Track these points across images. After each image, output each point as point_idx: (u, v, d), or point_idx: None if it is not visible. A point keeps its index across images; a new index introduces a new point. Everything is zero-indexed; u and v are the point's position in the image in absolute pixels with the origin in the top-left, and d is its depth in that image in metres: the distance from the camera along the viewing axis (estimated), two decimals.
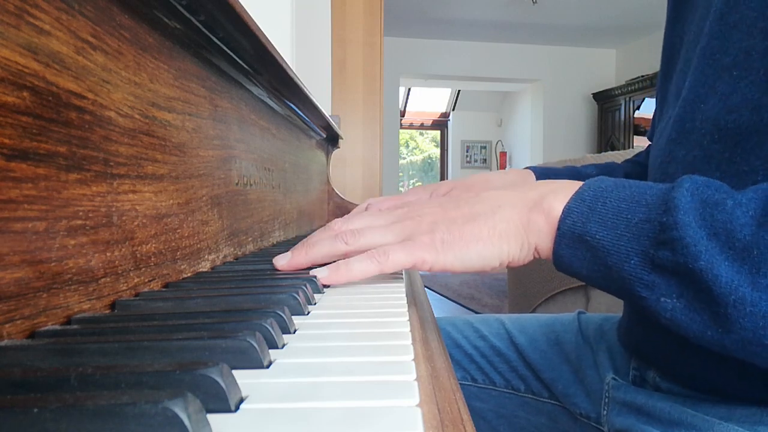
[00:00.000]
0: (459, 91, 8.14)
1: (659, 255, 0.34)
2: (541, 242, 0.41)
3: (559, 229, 0.39)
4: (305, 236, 0.98)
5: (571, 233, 0.38)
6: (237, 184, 0.65)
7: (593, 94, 6.33)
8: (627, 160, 0.77)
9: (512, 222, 0.41)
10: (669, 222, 0.34)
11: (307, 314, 0.37)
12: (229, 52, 0.57)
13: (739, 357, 0.34)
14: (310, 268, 0.48)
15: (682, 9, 0.57)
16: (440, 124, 8.83)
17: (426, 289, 0.57)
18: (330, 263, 0.47)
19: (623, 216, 0.36)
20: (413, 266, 0.43)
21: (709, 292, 0.32)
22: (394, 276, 0.53)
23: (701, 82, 0.48)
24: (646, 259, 0.35)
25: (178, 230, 0.47)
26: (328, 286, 0.48)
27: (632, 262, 0.35)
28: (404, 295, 0.43)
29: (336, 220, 0.50)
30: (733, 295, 0.32)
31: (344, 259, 0.46)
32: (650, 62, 5.55)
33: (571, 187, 0.40)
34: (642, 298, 0.36)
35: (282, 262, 0.50)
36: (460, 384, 0.69)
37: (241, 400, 0.21)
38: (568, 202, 0.39)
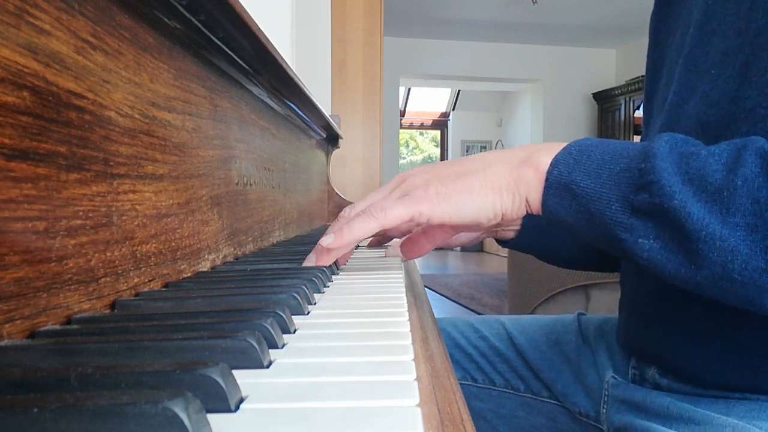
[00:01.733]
0: (459, 91, 8.14)
1: (638, 199, 0.37)
2: (531, 194, 0.43)
3: (546, 180, 0.41)
4: (305, 236, 0.98)
5: (557, 183, 0.40)
6: (237, 184, 0.65)
7: (593, 94, 6.33)
8: None
9: (503, 176, 0.43)
10: (647, 168, 0.36)
11: (307, 314, 0.37)
12: (229, 52, 0.57)
13: (711, 295, 0.37)
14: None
15: (661, 33, 0.60)
16: (440, 124, 8.83)
17: (426, 289, 0.57)
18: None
19: (606, 167, 0.39)
20: (411, 219, 0.45)
21: (681, 230, 0.35)
22: (394, 268, 0.53)
23: (684, 86, 0.51)
24: (626, 203, 0.37)
25: (178, 230, 0.47)
26: (327, 286, 0.48)
27: (613, 207, 0.38)
28: (404, 295, 0.43)
29: (345, 209, 0.53)
30: (703, 231, 0.34)
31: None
32: None
33: (559, 145, 0.43)
34: (621, 240, 0.38)
35: (319, 258, 0.53)
36: (460, 384, 0.69)
37: (241, 400, 0.21)
38: (555, 156, 0.41)
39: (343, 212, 0.52)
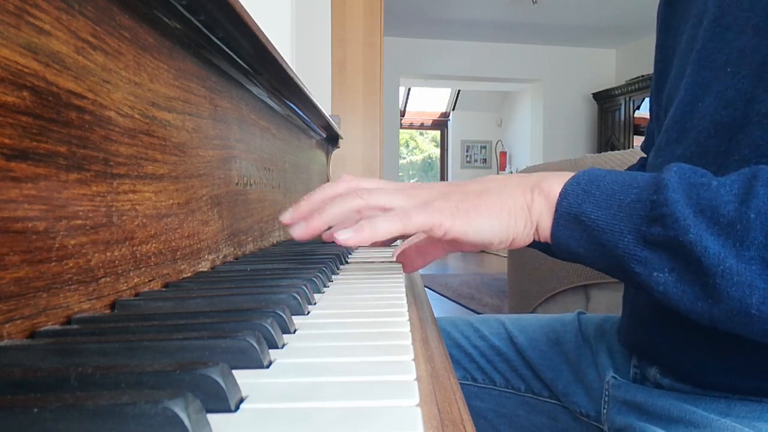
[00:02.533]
0: (459, 91, 8.14)
1: (651, 231, 0.36)
2: (541, 222, 0.42)
3: (556, 210, 0.40)
4: None
5: (567, 214, 0.40)
6: (237, 184, 0.65)
7: (593, 94, 6.33)
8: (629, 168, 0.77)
9: (518, 200, 0.43)
10: (659, 200, 0.36)
11: (307, 314, 0.37)
12: (229, 52, 0.57)
13: (726, 329, 0.36)
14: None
15: (671, 21, 0.59)
16: (440, 124, 8.83)
17: (426, 289, 0.57)
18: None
19: (616, 197, 0.38)
20: (430, 229, 0.43)
21: (698, 264, 0.34)
22: (394, 268, 0.53)
23: (698, 83, 0.49)
24: (638, 236, 0.36)
25: (178, 230, 0.47)
26: (327, 286, 0.48)
27: (626, 239, 0.37)
28: (404, 295, 0.43)
29: (345, 175, 0.49)
30: (720, 266, 0.33)
31: (357, 218, 0.45)
32: (650, 62, 5.50)
33: (566, 175, 0.42)
34: (636, 273, 0.37)
35: (299, 231, 0.47)
36: (460, 383, 0.69)
37: (241, 400, 0.21)
38: (564, 185, 0.41)
39: (343, 181, 0.48)
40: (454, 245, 0.49)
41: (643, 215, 0.36)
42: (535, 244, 0.65)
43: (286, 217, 0.48)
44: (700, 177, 0.37)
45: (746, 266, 0.33)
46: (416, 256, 0.54)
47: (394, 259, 0.57)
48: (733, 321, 0.35)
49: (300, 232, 0.47)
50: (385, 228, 0.43)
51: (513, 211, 0.42)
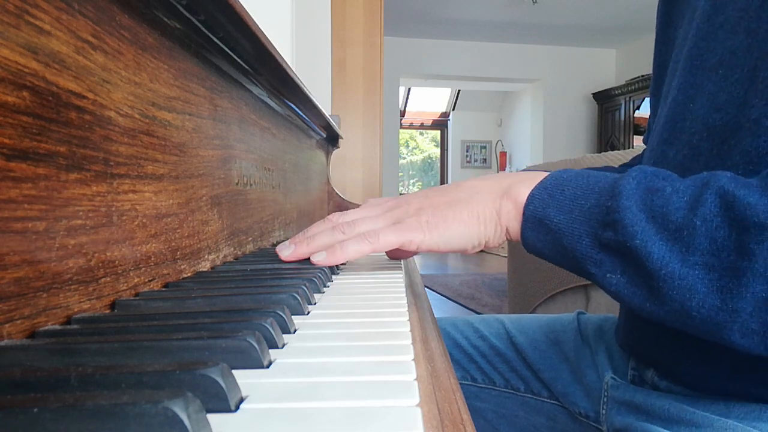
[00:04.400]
0: (459, 91, 8.14)
1: (605, 235, 0.38)
2: (510, 225, 0.45)
3: (524, 214, 0.43)
4: None
5: (533, 217, 0.43)
6: (237, 183, 0.65)
7: (593, 94, 6.33)
8: (623, 164, 0.77)
9: (487, 207, 0.46)
10: (613, 206, 0.38)
11: (307, 314, 0.37)
12: (229, 52, 0.57)
13: (675, 328, 0.38)
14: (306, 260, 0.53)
15: (671, 13, 0.59)
16: (440, 124, 8.83)
17: (426, 289, 0.58)
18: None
19: (578, 202, 0.40)
20: (401, 246, 0.48)
21: (644, 268, 0.36)
22: (394, 268, 0.53)
23: (690, 83, 0.49)
24: (594, 239, 0.39)
25: (178, 230, 0.47)
26: (327, 286, 0.48)
27: (584, 242, 0.40)
28: (404, 295, 0.43)
29: (333, 213, 0.55)
30: (663, 270, 0.35)
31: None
32: (650, 62, 5.49)
33: (538, 177, 0.45)
34: (591, 274, 0.40)
35: (286, 252, 0.54)
36: (460, 384, 0.69)
37: (241, 400, 0.21)
38: (531, 190, 0.43)
39: (331, 216, 0.54)
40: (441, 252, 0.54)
41: (599, 220, 0.39)
42: None
43: (284, 253, 0.54)
44: (660, 181, 0.38)
45: (689, 270, 0.34)
46: (396, 251, 0.57)
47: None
48: (678, 321, 0.37)
49: (287, 254, 0.54)
50: (355, 249, 0.49)
51: (482, 217, 0.46)
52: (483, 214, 0.46)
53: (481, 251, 6.86)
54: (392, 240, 0.47)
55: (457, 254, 6.43)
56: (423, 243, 0.47)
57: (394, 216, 0.50)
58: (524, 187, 0.44)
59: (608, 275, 0.39)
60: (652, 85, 0.63)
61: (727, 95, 0.45)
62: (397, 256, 0.58)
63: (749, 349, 0.35)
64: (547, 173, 0.45)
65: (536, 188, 0.43)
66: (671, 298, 0.35)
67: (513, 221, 0.45)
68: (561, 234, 0.41)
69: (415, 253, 0.56)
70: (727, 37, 0.45)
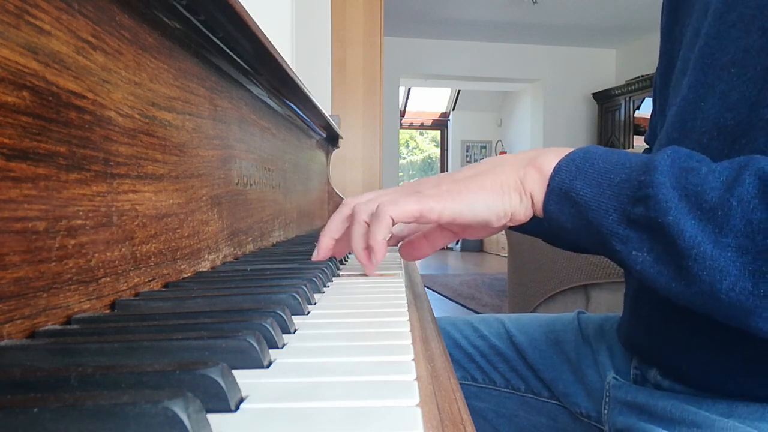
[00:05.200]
0: (459, 91, 8.14)
1: (635, 211, 0.37)
2: (536, 195, 0.43)
3: (549, 185, 0.41)
4: (305, 236, 0.98)
5: (558, 189, 0.41)
6: (237, 183, 0.65)
7: (593, 94, 6.33)
8: None
9: (511, 176, 0.44)
10: (646, 181, 0.36)
11: (307, 314, 0.37)
12: (229, 52, 0.57)
13: (699, 311, 0.37)
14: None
15: (678, 11, 0.58)
16: (440, 124, 8.83)
17: (426, 289, 0.57)
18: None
19: (607, 176, 0.39)
20: (421, 214, 0.44)
21: (674, 246, 0.35)
22: (394, 268, 0.53)
23: (701, 81, 0.49)
24: (623, 215, 0.37)
25: (178, 230, 0.47)
26: (327, 286, 0.48)
27: (610, 218, 0.38)
28: (404, 295, 0.43)
29: (348, 198, 0.54)
30: (695, 249, 0.34)
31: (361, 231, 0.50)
32: (650, 62, 5.55)
33: (566, 150, 0.43)
34: (616, 251, 0.38)
35: (314, 256, 0.55)
36: (460, 384, 0.69)
37: (241, 400, 0.21)
38: (559, 161, 0.42)
39: (346, 201, 0.53)
40: (459, 231, 0.52)
41: (630, 195, 0.37)
42: (531, 228, 0.65)
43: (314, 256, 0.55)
44: (694, 162, 0.37)
45: (721, 252, 0.33)
46: (426, 244, 0.55)
47: (399, 252, 0.58)
48: (705, 304, 0.36)
49: (314, 255, 0.55)
50: (380, 228, 0.46)
51: (506, 186, 0.43)
52: (507, 182, 0.43)
53: (481, 251, 6.86)
54: (411, 208, 0.44)
55: (458, 254, 6.43)
56: (444, 210, 0.44)
57: (413, 189, 0.47)
58: (551, 157, 0.42)
59: (634, 253, 0.37)
60: (658, 82, 0.63)
61: (739, 94, 0.44)
62: (412, 255, 0.56)
63: None
64: (575, 148, 0.43)
65: (564, 159, 0.41)
66: (700, 278, 0.34)
67: (537, 191, 0.42)
68: (587, 208, 0.39)
69: (432, 249, 0.55)
70: (740, 35, 0.45)
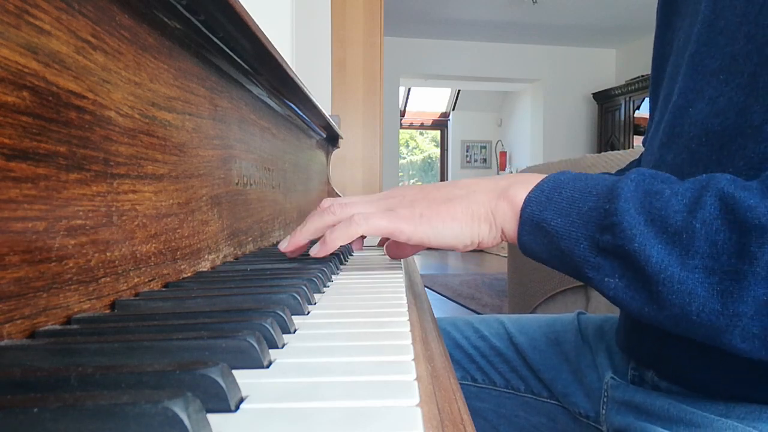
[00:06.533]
0: (459, 91, 8.14)
1: (603, 239, 0.38)
2: (506, 226, 0.45)
3: (521, 217, 0.43)
4: None
5: (530, 220, 0.42)
6: (237, 183, 0.65)
7: (593, 94, 6.33)
8: (619, 171, 0.77)
9: (483, 206, 0.45)
10: (611, 209, 0.37)
11: (307, 314, 0.37)
12: (229, 52, 0.57)
13: (675, 333, 0.37)
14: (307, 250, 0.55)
15: (671, 17, 0.59)
16: (440, 124, 8.83)
17: (426, 289, 0.58)
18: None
19: (576, 205, 0.40)
20: (391, 234, 0.47)
21: (643, 271, 0.36)
22: (394, 268, 0.53)
23: (690, 87, 0.49)
24: (592, 243, 0.38)
25: (178, 230, 0.47)
26: (327, 286, 0.48)
27: (581, 246, 0.39)
28: (404, 295, 0.43)
29: (326, 198, 0.55)
30: (662, 274, 0.35)
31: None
32: (650, 62, 5.54)
33: (536, 179, 0.44)
34: (590, 278, 0.39)
35: (284, 245, 0.55)
36: (460, 384, 0.69)
37: (241, 400, 0.21)
38: (529, 192, 0.43)
39: (324, 203, 0.54)
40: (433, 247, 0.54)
41: (597, 223, 0.38)
42: None
43: (282, 246, 0.56)
44: (658, 183, 0.38)
45: (689, 274, 0.34)
46: (396, 249, 0.57)
47: (384, 249, 0.59)
48: (678, 326, 0.36)
49: (284, 246, 0.55)
50: (343, 233, 0.49)
51: (476, 216, 0.45)
52: (478, 212, 0.45)
53: (481, 251, 6.86)
54: (382, 225, 0.47)
55: (458, 254, 6.43)
56: (414, 234, 0.46)
57: (389, 204, 0.49)
58: (521, 188, 0.43)
59: (606, 279, 0.38)
60: (651, 88, 0.64)
61: (726, 100, 0.44)
62: (397, 255, 0.57)
63: (750, 353, 0.34)
64: (545, 176, 0.44)
65: (533, 190, 0.42)
66: (671, 302, 0.35)
67: (509, 223, 0.44)
68: (558, 237, 0.40)
69: (414, 250, 0.56)
70: (728, 42, 0.45)
